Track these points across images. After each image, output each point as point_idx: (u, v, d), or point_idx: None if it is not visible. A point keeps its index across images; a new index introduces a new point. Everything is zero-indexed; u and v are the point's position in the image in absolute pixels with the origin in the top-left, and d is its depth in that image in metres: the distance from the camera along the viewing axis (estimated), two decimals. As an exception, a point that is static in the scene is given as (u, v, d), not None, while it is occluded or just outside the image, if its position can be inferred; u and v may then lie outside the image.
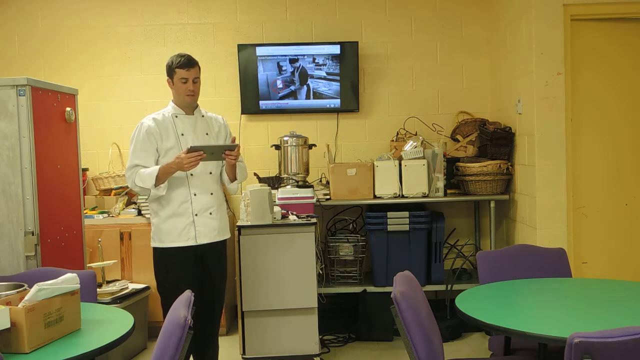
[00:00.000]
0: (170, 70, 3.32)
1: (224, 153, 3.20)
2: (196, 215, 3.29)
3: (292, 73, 4.93)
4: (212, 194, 3.36)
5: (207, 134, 3.40)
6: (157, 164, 3.28)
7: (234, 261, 3.99)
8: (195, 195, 3.30)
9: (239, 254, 3.85)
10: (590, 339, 1.72)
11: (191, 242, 3.28)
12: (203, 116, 3.45)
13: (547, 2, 3.99)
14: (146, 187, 3.21)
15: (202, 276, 3.36)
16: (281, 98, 4.96)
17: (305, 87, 4.95)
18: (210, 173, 3.37)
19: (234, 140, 3.41)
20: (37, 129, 3.16)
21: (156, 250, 3.33)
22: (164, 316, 2.64)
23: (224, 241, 3.46)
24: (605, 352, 1.71)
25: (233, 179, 3.46)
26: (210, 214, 3.34)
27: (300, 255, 3.86)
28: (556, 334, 2.04)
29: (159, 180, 3.20)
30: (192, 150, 3.12)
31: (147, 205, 4.31)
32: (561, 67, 4.00)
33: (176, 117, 3.35)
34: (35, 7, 5.05)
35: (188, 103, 3.36)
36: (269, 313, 3.87)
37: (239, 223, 3.92)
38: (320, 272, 4.36)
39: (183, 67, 3.29)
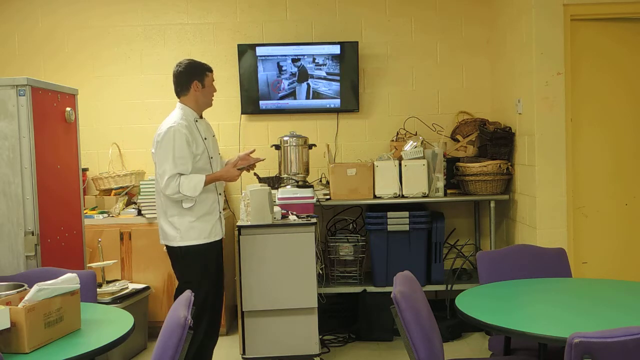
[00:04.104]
0: (202, 73, 3.45)
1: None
2: (220, 212, 3.54)
3: (292, 73, 4.93)
4: (220, 194, 3.61)
5: (213, 136, 3.61)
6: None
7: (234, 261, 3.99)
8: (220, 194, 3.56)
9: (239, 254, 3.85)
10: (590, 339, 1.72)
11: (219, 236, 3.52)
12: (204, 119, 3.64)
13: (547, 2, 3.99)
14: (193, 195, 3.32)
15: (220, 268, 3.62)
16: (281, 98, 4.96)
17: (305, 87, 4.95)
18: None
19: (253, 152, 3.71)
20: (37, 129, 3.16)
21: (186, 248, 3.39)
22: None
23: None
24: (605, 352, 1.71)
25: None
26: (221, 210, 3.59)
27: (300, 255, 3.87)
28: (556, 334, 2.05)
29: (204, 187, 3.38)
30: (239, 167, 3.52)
31: (150, 205, 4.36)
32: (561, 67, 4.00)
33: (196, 121, 3.47)
34: (35, 7, 5.04)
35: (210, 105, 3.54)
36: (269, 313, 3.87)
37: (239, 223, 3.93)
38: (320, 272, 4.36)
39: (211, 71, 3.51)
